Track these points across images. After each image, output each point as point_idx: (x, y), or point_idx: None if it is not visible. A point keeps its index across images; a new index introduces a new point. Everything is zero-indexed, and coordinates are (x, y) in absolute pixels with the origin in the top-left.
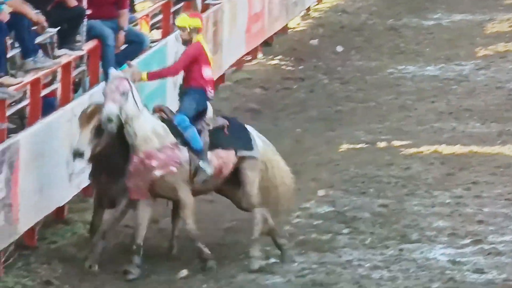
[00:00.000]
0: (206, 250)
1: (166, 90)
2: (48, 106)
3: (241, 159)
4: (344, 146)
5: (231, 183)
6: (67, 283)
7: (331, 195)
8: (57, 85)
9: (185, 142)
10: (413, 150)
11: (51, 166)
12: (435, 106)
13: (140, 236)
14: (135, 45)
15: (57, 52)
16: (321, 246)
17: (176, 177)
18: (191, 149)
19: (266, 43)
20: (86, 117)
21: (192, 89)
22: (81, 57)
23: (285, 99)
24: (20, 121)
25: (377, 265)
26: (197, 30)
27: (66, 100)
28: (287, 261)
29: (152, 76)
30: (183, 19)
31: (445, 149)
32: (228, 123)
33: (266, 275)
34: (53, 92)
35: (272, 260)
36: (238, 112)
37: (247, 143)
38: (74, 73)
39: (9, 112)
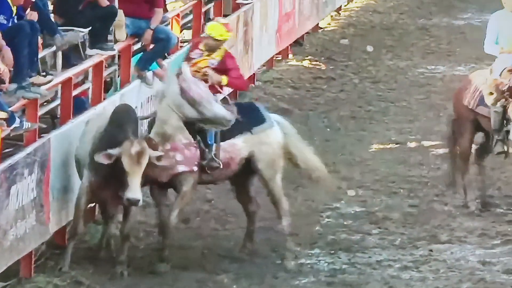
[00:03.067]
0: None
1: None
2: (79, 105)
3: (253, 155)
4: (375, 146)
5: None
6: (97, 283)
7: (361, 195)
8: (89, 85)
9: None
10: (443, 150)
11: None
12: None
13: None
14: (163, 42)
15: (89, 51)
16: (351, 246)
17: (192, 174)
18: (204, 142)
19: (297, 43)
20: (135, 160)
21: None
22: (113, 57)
23: (316, 99)
24: (52, 121)
25: (407, 265)
26: (227, 41)
27: (97, 100)
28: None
29: (231, 84)
30: (221, 30)
31: None
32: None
33: (296, 275)
34: (84, 92)
35: (303, 260)
36: (269, 112)
37: (259, 118)
38: (105, 72)
39: (40, 112)
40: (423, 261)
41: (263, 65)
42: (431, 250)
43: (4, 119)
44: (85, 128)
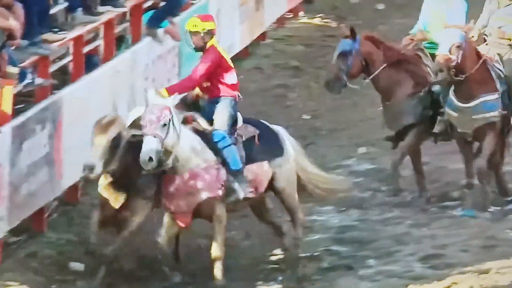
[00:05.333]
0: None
1: None
2: (91, 63)
3: (275, 173)
4: None
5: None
6: (107, 242)
7: (372, 152)
8: (100, 42)
9: (222, 160)
10: None
11: (94, 123)
12: None
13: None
14: (174, 0)
15: (100, 8)
16: (362, 203)
17: (218, 199)
18: (228, 168)
19: (308, 1)
20: (100, 128)
21: (220, 100)
22: (124, 14)
23: (326, 57)
24: (63, 78)
25: (417, 222)
26: (211, 33)
27: (109, 57)
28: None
29: (171, 91)
30: (196, 23)
31: None
32: (258, 131)
33: (307, 232)
34: (95, 49)
35: (314, 217)
36: (279, 69)
37: (279, 149)
38: (116, 29)
39: (52, 69)
40: (434, 218)
41: (274, 23)
42: (442, 207)
43: (16, 75)
44: None
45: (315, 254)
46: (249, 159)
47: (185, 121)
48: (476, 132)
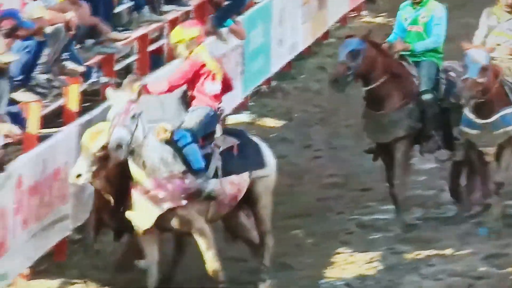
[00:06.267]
0: None
1: (270, 48)
2: (155, 61)
3: (254, 180)
4: None
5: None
6: None
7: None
8: (164, 41)
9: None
10: None
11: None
12: None
13: (150, 284)
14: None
15: (165, 7)
16: (425, 202)
17: (189, 210)
18: (190, 169)
19: (371, 0)
20: (89, 137)
21: (199, 108)
22: (187, 13)
23: None
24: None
25: (481, 221)
26: (195, 41)
27: (173, 56)
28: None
29: (146, 90)
30: (178, 33)
31: None
32: (237, 142)
33: (370, 230)
34: (159, 48)
35: (376, 216)
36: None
37: (260, 161)
38: None
39: (117, 67)
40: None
41: (337, 22)
42: (505, 206)
43: (82, 74)
44: None
45: (378, 253)
46: (229, 171)
47: (157, 133)
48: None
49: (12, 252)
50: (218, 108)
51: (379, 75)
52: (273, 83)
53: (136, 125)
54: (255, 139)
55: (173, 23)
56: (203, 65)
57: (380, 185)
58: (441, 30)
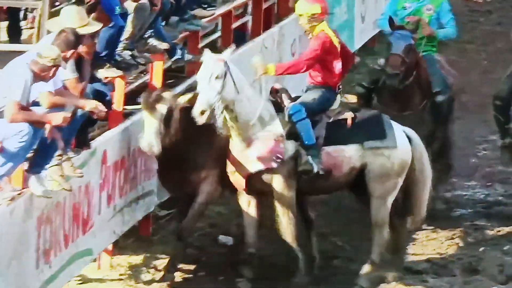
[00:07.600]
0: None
1: (355, 23)
2: (239, 38)
3: (368, 156)
4: None
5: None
6: None
7: None
8: (248, 18)
9: (296, 134)
10: None
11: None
12: None
13: (249, 243)
14: None
15: None
16: (507, 178)
17: (275, 174)
18: (301, 143)
19: None
20: (150, 104)
21: (320, 87)
22: None
23: (473, 32)
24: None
25: None
26: (317, 18)
27: (257, 33)
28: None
29: (279, 68)
30: (301, 6)
31: None
32: (354, 115)
33: (453, 206)
34: (244, 25)
35: (459, 192)
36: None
37: (379, 133)
38: (264, 5)
39: (201, 44)
40: None
41: None
42: None
43: (166, 51)
44: None
45: (460, 229)
46: (332, 141)
47: (270, 91)
48: None
49: (97, 227)
50: (338, 86)
51: (410, 72)
52: (357, 59)
53: (223, 86)
54: (386, 118)
55: (257, 0)
56: (331, 44)
57: (463, 160)
58: (454, 22)
